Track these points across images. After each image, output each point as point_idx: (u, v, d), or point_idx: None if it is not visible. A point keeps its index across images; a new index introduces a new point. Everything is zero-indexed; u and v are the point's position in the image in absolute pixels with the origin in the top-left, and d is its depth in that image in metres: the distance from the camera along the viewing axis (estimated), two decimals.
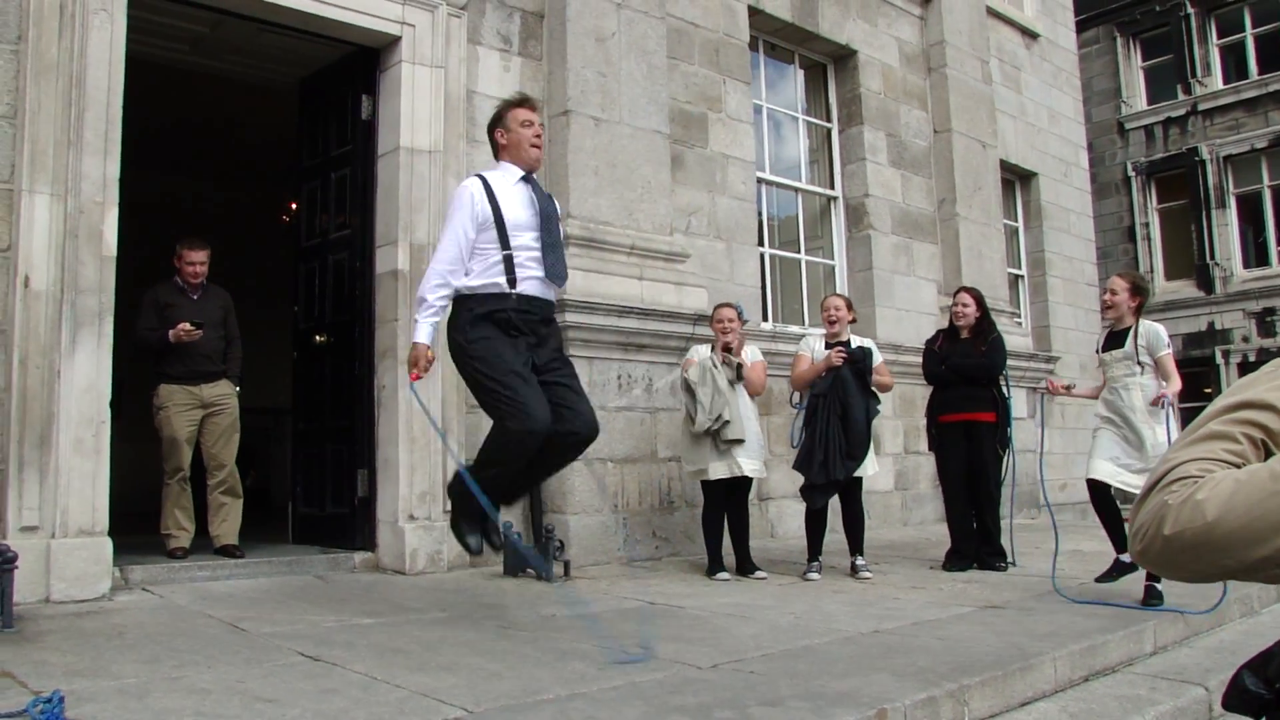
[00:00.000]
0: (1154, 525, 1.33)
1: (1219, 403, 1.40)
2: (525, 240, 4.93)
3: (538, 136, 5.17)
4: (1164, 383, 6.21)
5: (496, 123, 5.20)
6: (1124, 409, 6.22)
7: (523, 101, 5.30)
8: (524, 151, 5.12)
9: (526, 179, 5.12)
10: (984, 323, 7.71)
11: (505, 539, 6.95)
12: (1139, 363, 6.24)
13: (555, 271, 5.01)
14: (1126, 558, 6.09)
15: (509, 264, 4.85)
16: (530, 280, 4.92)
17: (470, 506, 4.82)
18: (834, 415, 7.05)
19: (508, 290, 4.85)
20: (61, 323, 5.70)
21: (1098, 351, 6.62)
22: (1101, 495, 6.26)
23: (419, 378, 4.93)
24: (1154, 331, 6.33)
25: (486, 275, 4.86)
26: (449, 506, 5.14)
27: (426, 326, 4.91)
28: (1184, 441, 1.39)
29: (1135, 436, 6.16)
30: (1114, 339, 6.47)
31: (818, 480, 7.07)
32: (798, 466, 7.24)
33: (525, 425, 4.69)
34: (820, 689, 3.84)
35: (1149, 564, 1.37)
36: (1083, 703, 4.34)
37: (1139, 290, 6.46)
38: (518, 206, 4.98)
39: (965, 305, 7.72)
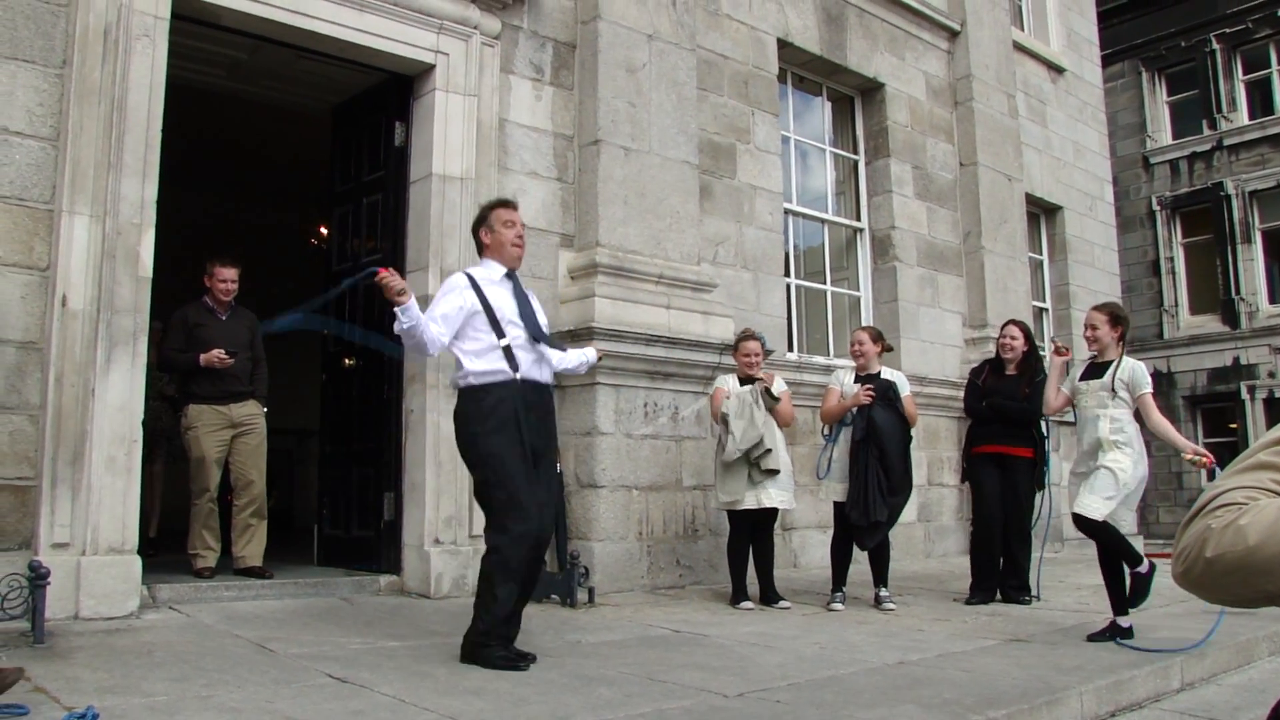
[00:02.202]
0: (1197, 548, 1.35)
1: (1269, 435, 1.43)
2: (514, 331, 5.11)
3: (519, 237, 5.34)
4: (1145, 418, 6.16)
5: (481, 223, 5.37)
6: (1093, 439, 6.17)
7: (504, 203, 5.48)
8: (505, 251, 5.29)
9: (509, 276, 5.30)
10: (1031, 359, 7.67)
11: None
12: (1114, 394, 6.15)
13: (544, 358, 5.21)
14: (1125, 622, 5.97)
15: (509, 353, 5.02)
16: (531, 364, 5.11)
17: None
18: (873, 458, 7.04)
19: (512, 375, 5.01)
20: (97, 342, 5.77)
21: (1077, 380, 6.46)
22: (1106, 549, 6.13)
23: (385, 273, 4.85)
24: (1137, 369, 6.21)
25: (488, 364, 5.02)
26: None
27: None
28: (1232, 470, 1.42)
29: (1091, 458, 6.13)
30: (1093, 370, 6.36)
31: (861, 523, 7.06)
32: (849, 511, 7.20)
33: (523, 525, 4.83)
34: (847, 719, 3.85)
35: (1190, 586, 1.39)
36: None
37: (1118, 320, 6.35)
38: (505, 299, 5.17)
39: (1014, 338, 7.67)
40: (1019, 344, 7.66)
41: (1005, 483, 7.54)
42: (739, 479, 7.13)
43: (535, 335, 5.17)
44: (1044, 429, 7.64)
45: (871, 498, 6.98)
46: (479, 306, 5.06)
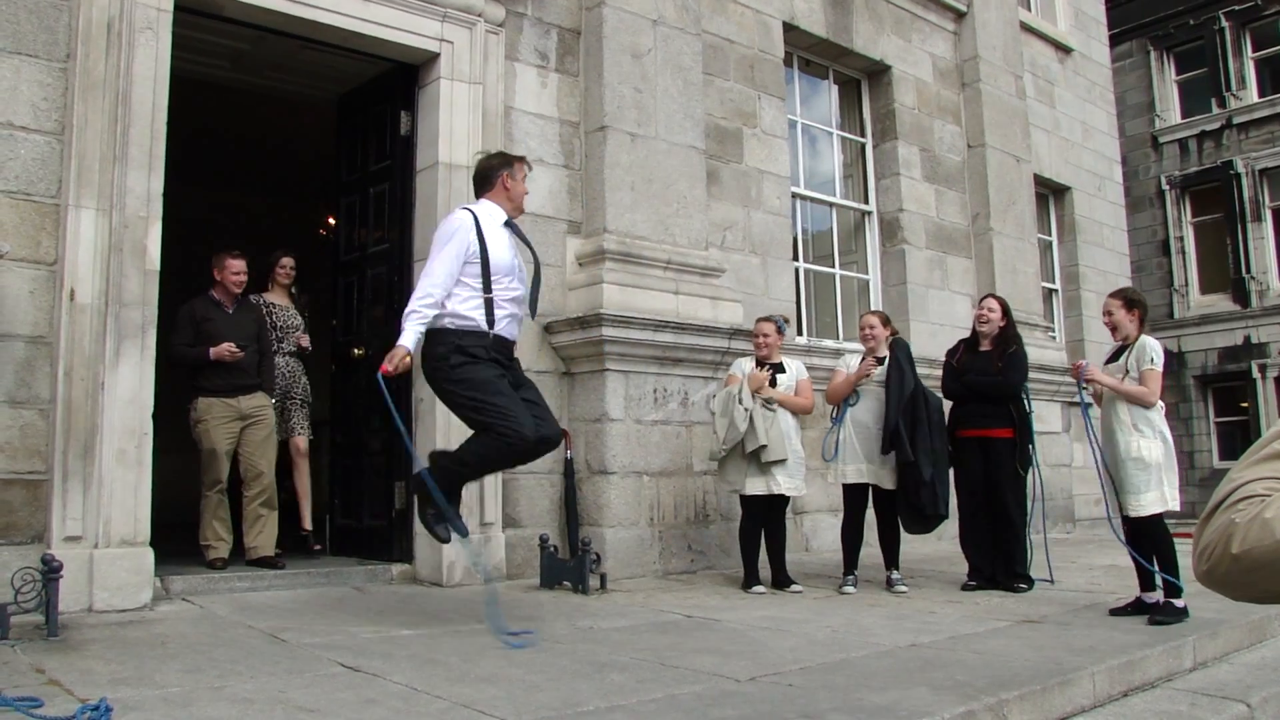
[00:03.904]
0: (1221, 544, 1.30)
1: None
2: (504, 282, 5.26)
3: (526, 193, 5.67)
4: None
5: (504, 166, 5.52)
6: (1110, 425, 6.26)
7: (525, 159, 5.72)
8: (519, 201, 5.57)
9: (509, 223, 5.45)
10: (1007, 334, 7.44)
11: (542, 549, 7.03)
12: (1127, 374, 6.24)
13: (534, 310, 5.51)
14: (1151, 598, 6.04)
15: (489, 306, 5.19)
16: (506, 320, 5.27)
17: (435, 498, 5.16)
18: (939, 439, 7.10)
19: (486, 330, 5.18)
20: (106, 335, 5.79)
21: (1102, 366, 6.60)
22: (1155, 544, 6.19)
23: (388, 371, 5.08)
24: (1143, 346, 6.26)
25: (466, 311, 5.17)
26: (416, 502, 5.46)
27: (413, 334, 5.14)
28: (1249, 461, 1.37)
29: (1113, 450, 6.22)
30: (1115, 355, 6.50)
31: (933, 513, 7.14)
32: (912, 497, 7.17)
33: (521, 433, 5.06)
34: (859, 702, 3.85)
35: (1215, 585, 1.34)
36: (1122, 718, 4.33)
37: (1134, 304, 6.43)
38: (502, 249, 5.31)
39: (991, 311, 7.43)
40: (995, 316, 7.40)
41: (989, 467, 7.30)
42: (738, 467, 7.13)
43: (532, 313, 5.47)
44: (1026, 405, 7.41)
45: (937, 489, 7.04)
46: (478, 254, 5.18)
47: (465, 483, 5.49)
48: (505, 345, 5.32)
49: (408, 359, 5.12)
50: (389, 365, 5.06)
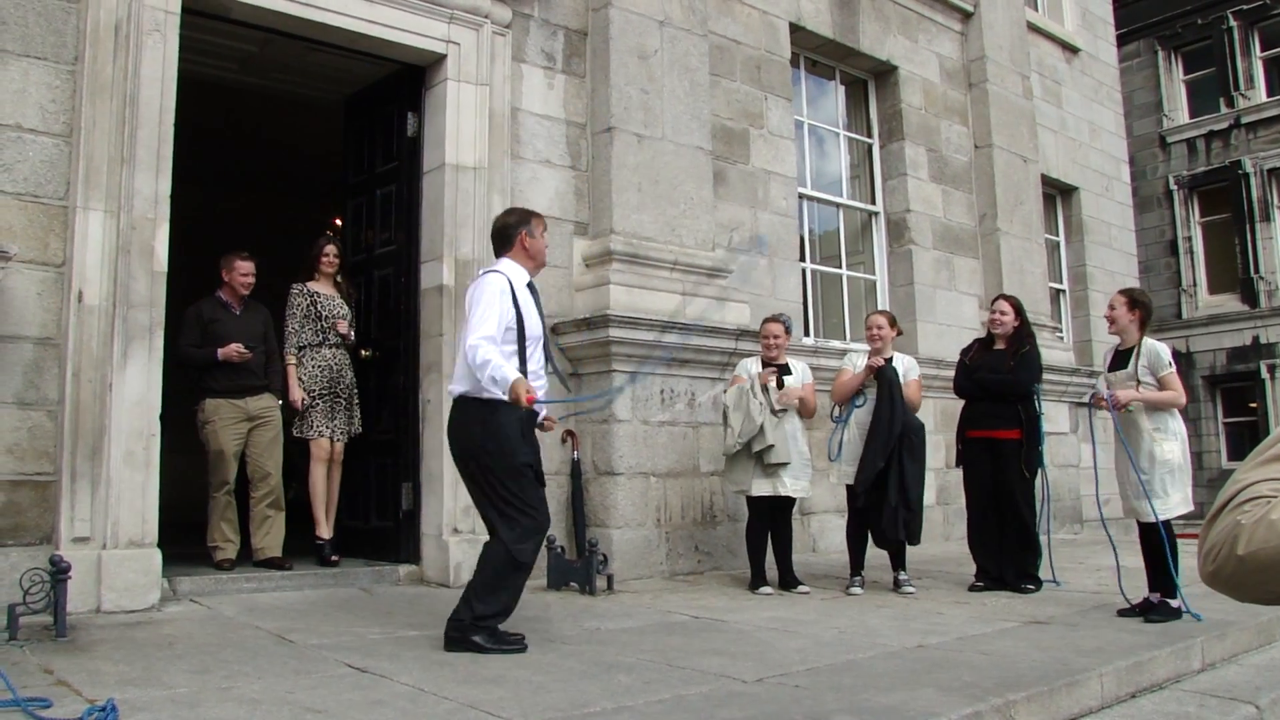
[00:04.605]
0: (1227, 545, 1.30)
1: None
2: (536, 354, 5.15)
3: (546, 247, 5.50)
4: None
5: (522, 224, 5.32)
6: (1129, 428, 6.29)
7: (540, 215, 5.54)
8: (541, 258, 5.40)
9: (529, 285, 5.28)
10: (1021, 334, 7.43)
11: (549, 550, 7.02)
12: (1140, 382, 6.26)
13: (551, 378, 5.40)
14: (1155, 598, 6.12)
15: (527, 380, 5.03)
16: (540, 388, 5.10)
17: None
18: (909, 466, 7.07)
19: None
20: (114, 337, 5.80)
21: (1105, 372, 6.65)
22: (1148, 534, 6.25)
23: (534, 399, 4.86)
24: (1155, 351, 6.31)
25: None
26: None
27: (507, 369, 4.82)
28: (1254, 462, 1.37)
29: (1136, 456, 6.24)
30: (1120, 359, 6.49)
31: (894, 538, 7.15)
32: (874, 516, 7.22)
33: (539, 536, 5.13)
34: (866, 703, 3.85)
35: (1220, 586, 1.33)
36: None
37: (1137, 304, 6.44)
38: (533, 315, 5.16)
39: (1003, 313, 7.43)
40: (1008, 319, 7.40)
41: (996, 469, 7.29)
42: (744, 468, 7.15)
43: (555, 369, 5.41)
44: (1037, 406, 7.36)
45: (899, 515, 7.04)
46: (514, 321, 5.00)
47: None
48: (534, 414, 5.16)
49: (524, 387, 4.78)
50: (529, 396, 4.79)
